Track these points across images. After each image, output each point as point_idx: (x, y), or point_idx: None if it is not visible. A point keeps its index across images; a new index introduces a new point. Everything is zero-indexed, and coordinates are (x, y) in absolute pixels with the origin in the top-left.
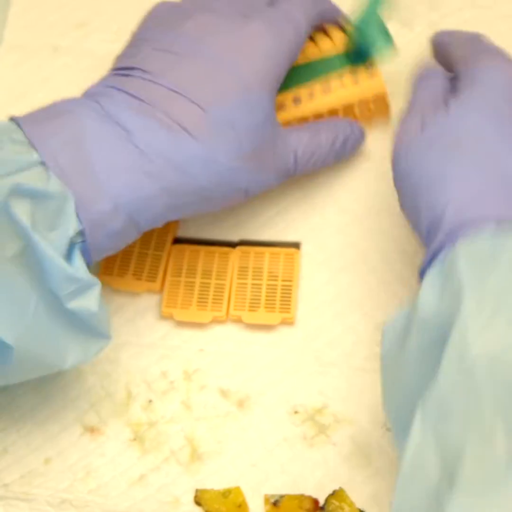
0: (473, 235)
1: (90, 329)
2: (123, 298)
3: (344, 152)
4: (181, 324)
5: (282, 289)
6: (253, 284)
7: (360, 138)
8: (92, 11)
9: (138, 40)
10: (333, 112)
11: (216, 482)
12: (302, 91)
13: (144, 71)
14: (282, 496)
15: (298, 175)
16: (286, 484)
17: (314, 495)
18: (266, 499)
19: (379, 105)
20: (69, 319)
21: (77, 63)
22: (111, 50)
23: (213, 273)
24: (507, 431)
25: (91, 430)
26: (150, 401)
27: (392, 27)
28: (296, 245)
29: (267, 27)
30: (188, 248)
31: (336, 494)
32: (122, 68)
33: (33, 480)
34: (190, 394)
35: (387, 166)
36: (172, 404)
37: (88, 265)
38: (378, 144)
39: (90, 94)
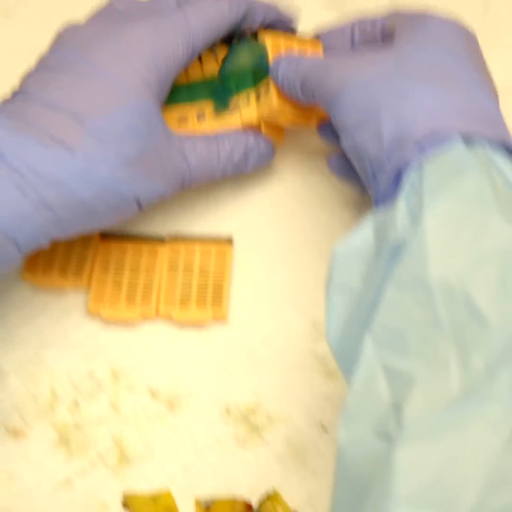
0: (441, 147)
1: None
2: (49, 296)
3: (245, 166)
4: (108, 322)
5: (214, 286)
6: (183, 280)
7: (266, 154)
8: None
9: (35, 65)
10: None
11: (145, 486)
12: (206, 107)
13: (24, 92)
14: (213, 500)
15: (195, 186)
16: (218, 487)
17: (247, 498)
18: (197, 502)
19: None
20: None
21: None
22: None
23: (141, 269)
24: (461, 360)
25: (14, 432)
26: (76, 402)
27: None
28: (228, 240)
29: (150, 32)
30: (115, 244)
31: (270, 496)
32: (13, 94)
33: None
34: (118, 395)
35: (320, 159)
36: (99, 405)
37: None
38: (311, 137)
39: None
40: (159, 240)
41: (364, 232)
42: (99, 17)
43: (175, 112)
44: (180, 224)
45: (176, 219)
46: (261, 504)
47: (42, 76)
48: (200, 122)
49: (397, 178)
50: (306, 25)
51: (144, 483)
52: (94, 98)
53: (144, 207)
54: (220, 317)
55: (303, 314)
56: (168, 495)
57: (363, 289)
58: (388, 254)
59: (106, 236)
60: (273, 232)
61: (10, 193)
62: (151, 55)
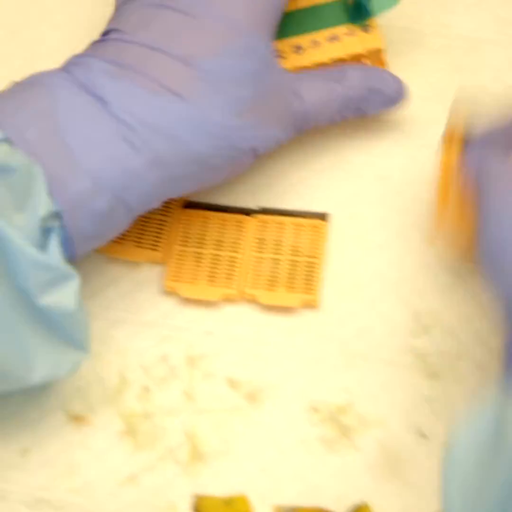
0: None
1: (64, 335)
2: (120, 268)
3: (369, 106)
4: (186, 301)
5: (306, 267)
6: (272, 259)
7: (394, 92)
8: None
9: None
10: (339, 62)
11: (218, 488)
12: (303, 39)
13: (119, 31)
14: (294, 509)
15: (313, 129)
16: (300, 494)
17: (333, 509)
18: (276, 510)
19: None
20: (38, 320)
21: None
22: None
23: (226, 244)
24: None
25: (76, 418)
26: (147, 389)
27: None
28: (323, 217)
29: None
30: (198, 214)
31: (359, 509)
32: (103, 33)
33: (6, 474)
34: (193, 383)
35: (434, 133)
36: (171, 393)
37: (72, 257)
38: (424, 106)
39: (67, 65)
40: (246, 212)
41: (483, 422)
42: None
43: (288, 42)
44: (270, 198)
45: (265, 192)
46: None
47: (138, 13)
48: (315, 49)
49: None
50: None
51: (217, 485)
52: (201, 37)
53: (260, 156)
54: (311, 303)
55: (405, 305)
56: (244, 501)
57: (480, 487)
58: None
59: (190, 205)
60: (374, 210)
61: (118, 148)
62: None
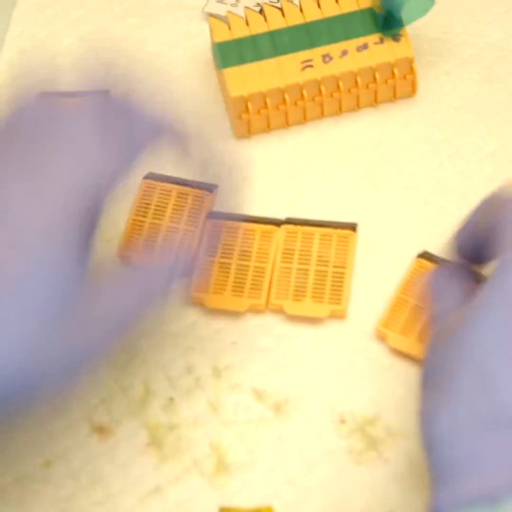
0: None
1: None
2: None
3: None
4: (212, 312)
5: (333, 277)
6: (299, 269)
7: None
8: None
9: None
10: (368, 71)
11: (244, 500)
12: (332, 48)
13: None
14: None
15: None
16: (327, 507)
17: None
18: None
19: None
20: None
21: None
22: None
23: (252, 255)
24: None
25: (100, 430)
26: (172, 399)
27: None
28: (351, 227)
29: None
30: (225, 224)
31: None
32: None
33: (30, 485)
34: (218, 394)
35: (463, 142)
36: (197, 404)
37: None
38: (455, 115)
39: None
40: (274, 222)
41: None
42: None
43: (317, 51)
44: (297, 208)
45: (294, 204)
46: None
47: None
48: (344, 58)
49: None
50: None
51: (243, 497)
52: None
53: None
54: (339, 313)
55: None
56: None
57: None
58: None
59: (215, 216)
60: (401, 221)
61: None
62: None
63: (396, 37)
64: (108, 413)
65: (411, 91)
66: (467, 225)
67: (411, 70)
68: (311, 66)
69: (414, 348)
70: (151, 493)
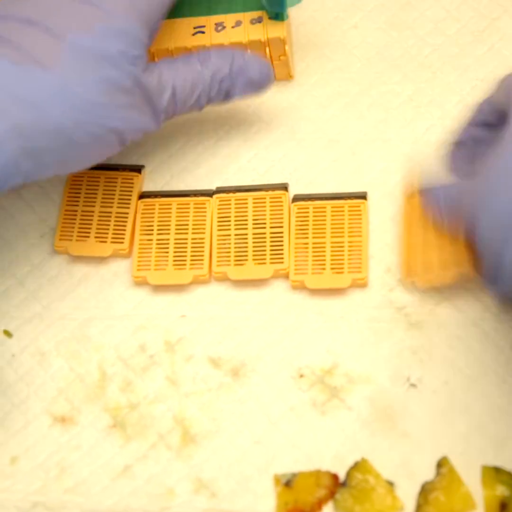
0: None
1: None
2: (87, 266)
3: (234, 88)
4: (157, 289)
5: (271, 237)
6: (237, 235)
7: (259, 75)
8: None
9: None
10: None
11: (215, 467)
12: (209, 21)
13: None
14: (294, 475)
15: (182, 114)
16: (299, 461)
17: (333, 470)
18: (276, 479)
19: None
20: None
21: None
22: None
23: (189, 227)
24: None
25: (62, 419)
26: (129, 380)
27: None
28: (284, 187)
29: None
30: (157, 202)
31: (359, 466)
32: None
33: None
34: (175, 368)
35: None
36: (155, 381)
37: None
38: None
39: None
40: (206, 193)
41: None
42: None
43: (190, 23)
44: (228, 179)
45: (222, 174)
46: (349, 475)
47: None
48: (219, 33)
49: None
50: None
51: (213, 464)
52: (75, 14)
53: (126, 143)
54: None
55: (376, 261)
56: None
57: None
58: None
59: (145, 194)
60: (331, 176)
61: None
62: None
63: (277, 16)
64: (68, 403)
65: (287, 73)
66: (488, 98)
67: (283, 51)
68: (203, 32)
69: (444, 277)
70: (121, 473)
